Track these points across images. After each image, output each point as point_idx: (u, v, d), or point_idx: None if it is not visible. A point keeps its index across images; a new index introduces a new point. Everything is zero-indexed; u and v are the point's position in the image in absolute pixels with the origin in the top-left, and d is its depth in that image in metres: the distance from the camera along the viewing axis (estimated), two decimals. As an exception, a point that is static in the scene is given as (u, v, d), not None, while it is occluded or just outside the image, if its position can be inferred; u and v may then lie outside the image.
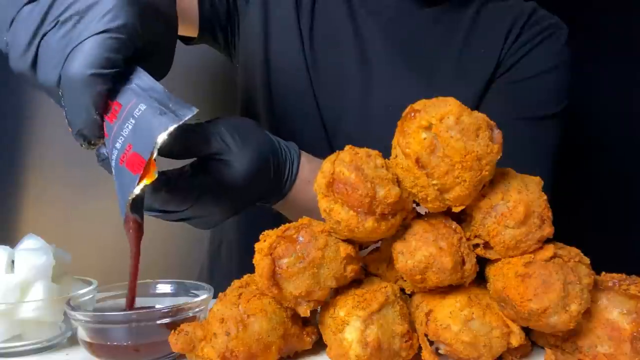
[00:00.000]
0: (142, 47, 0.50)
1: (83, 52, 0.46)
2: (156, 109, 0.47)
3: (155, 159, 0.47)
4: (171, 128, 0.46)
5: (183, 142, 0.53)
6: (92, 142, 0.50)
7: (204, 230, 1.08)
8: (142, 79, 0.49)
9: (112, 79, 0.47)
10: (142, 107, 0.47)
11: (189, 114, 0.47)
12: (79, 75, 0.46)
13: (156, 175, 0.47)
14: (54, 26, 0.46)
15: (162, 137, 0.46)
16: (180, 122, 0.47)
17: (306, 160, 0.66)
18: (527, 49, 0.82)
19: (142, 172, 0.47)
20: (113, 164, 0.49)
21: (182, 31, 0.88)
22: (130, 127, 0.47)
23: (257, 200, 0.64)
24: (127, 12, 0.47)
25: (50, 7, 0.46)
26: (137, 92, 0.48)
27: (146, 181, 0.47)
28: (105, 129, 0.49)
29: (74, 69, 0.46)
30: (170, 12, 0.55)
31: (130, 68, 0.49)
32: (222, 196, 0.58)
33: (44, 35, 0.47)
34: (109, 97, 0.48)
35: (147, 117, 0.47)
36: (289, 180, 0.64)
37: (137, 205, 0.50)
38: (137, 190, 0.47)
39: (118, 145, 0.48)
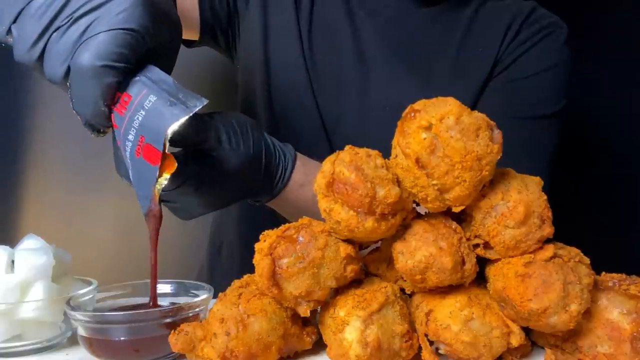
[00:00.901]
0: (151, 49, 0.50)
1: (95, 44, 0.46)
2: (166, 100, 0.48)
3: (169, 151, 0.48)
4: (182, 119, 0.47)
5: (180, 132, 0.54)
6: (101, 130, 0.51)
7: (202, 229, 1.09)
8: (152, 71, 0.50)
9: (123, 73, 0.48)
10: (153, 98, 0.48)
11: (199, 105, 0.48)
12: (89, 65, 0.46)
13: (176, 165, 0.48)
14: (67, 22, 0.47)
15: (172, 129, 0.47)
16: (191, 114, 0.47)
17: (301, 164, 0.66)
18: (526, 48, 0.82)
19: (159, 163, 0.47)
20: (128, 155, 0.49)
21: (184, 34, 0.87)
22: (140, 118, 0.48)
23: (243, 198, 0.64)
24: (141, 13, 0.48)
25: (65, 4, 0.47)
26: (147, 84, 0.49)
27: (166, 174, 0.48)
28: (114, 120, 0.49)
29: (85, 60, 0.46)
30: (176, 17, 0.55)
31: (141, 66, 0.50)
32: (206, 189, 0.57)
33: (56, 30, 0.47)
34: (117, 89, 0.48)
35: (158, 108, 0.47)
36: (280, 183, 0.64)
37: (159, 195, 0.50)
38: (163, 182, 0.48)
39: (131, 137, 0.48)
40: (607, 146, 1.39)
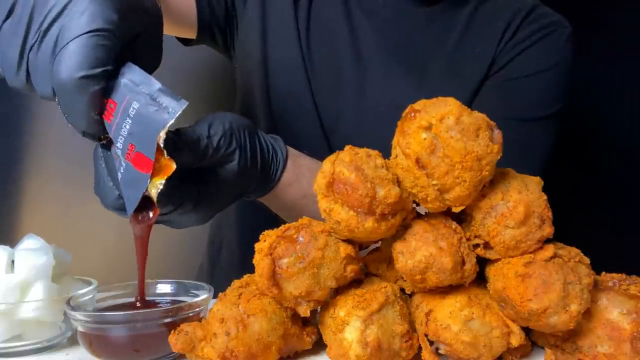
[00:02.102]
0: (127, 42, 0.48)
1: (68, 55, 0.44)
2: (149, 106, 0.46)
3: (167, 156, 0.47)
4: (167, 126, 0.46)
5: (180, 160, 0.50)
6: (102, 137, 0.49)
7: (202, 228, 1.09)
8: (133, 72, 0.48)
9: (103, 78, 0.46)
10: (136, 105, 0.47)
11: (178, 109, 0.46)
12: (69, 79, 0.44)
13: (174, 167, 0.47)
14: (38, 38, 0.45)
15: (162, 139, 0.46)
16: (172, 120, 0.46)
17: (291, 162, 0.65)
18: (523, 47, 0.80)
19: (151, 171, 0.47)
20: (120, 157, 0.49)
21: (182, 33, 0.88)
22: (127, 126, 0.47)
23: (236, 201, 0.63)
24: (105, 7, 0.45)
25: (30, 19, 0.45)
26: (130, 87, 0.47)
27: (160, 178, 0.47)
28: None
29: (63, 75, 0.44)
30: (150, 2, 0.52)
31: (120, 64, 0.48)
32: (205, 204, 0.56)
33: (31, 49, 0.45)
34: (103, 95, 0.47)
35: (142, 114, 0.46)
36: (271, 183, 0.64)
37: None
38: (159, 185, 0.48)
39: (119, 144, 0.48)
40: (607, 145, 1.39)
